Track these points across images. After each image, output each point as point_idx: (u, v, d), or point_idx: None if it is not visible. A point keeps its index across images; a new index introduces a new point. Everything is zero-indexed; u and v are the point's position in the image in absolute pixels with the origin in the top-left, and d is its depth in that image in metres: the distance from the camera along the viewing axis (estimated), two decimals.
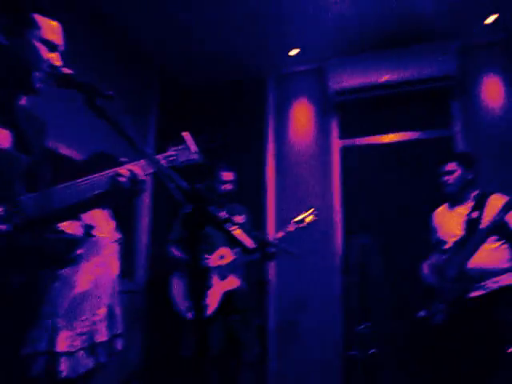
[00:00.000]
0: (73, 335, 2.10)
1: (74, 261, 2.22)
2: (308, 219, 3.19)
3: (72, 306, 2.16)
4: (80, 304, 2.19)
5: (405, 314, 3.21)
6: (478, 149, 3.62)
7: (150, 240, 4.12)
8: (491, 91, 3.85)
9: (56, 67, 1.29)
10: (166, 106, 4.52)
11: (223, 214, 1.02)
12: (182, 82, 4.66)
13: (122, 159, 1.41)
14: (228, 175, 3.25)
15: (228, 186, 3.23)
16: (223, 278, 3.03)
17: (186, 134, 1.73)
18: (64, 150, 3.10)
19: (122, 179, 1.33)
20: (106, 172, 1.36)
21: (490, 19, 3.66)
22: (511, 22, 3.69)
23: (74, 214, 1.44)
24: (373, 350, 2.63)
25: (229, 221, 1.02)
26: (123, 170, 1.35)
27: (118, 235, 2.49)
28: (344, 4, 3.45)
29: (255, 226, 3.48)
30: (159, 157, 1.63)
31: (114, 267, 2.42)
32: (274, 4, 3.46)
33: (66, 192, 1.31)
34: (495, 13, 3.59)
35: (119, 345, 2.34)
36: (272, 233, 4.08)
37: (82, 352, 2.09)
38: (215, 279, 3.01)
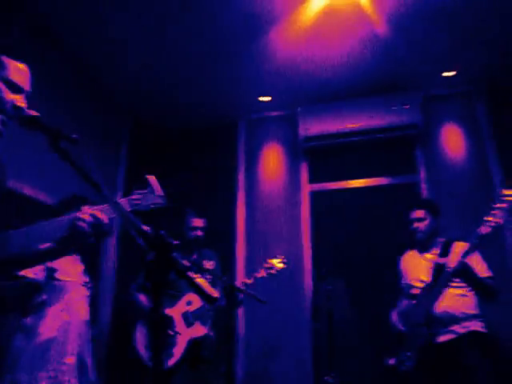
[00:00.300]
0: None
1: (38, 307, 2.10)
2: (279, 266, 3.18)
3: (36, 355, 2.02)
4: (45, 353, 2.04)
5: (374, 362, 3.17)
6: (441, 196, 3.75)
7: (115, 285, 3.98)
8: (452, 140, 4.04)
9: (20, 109, 1.27)
10: (137, 149, 4.51)
11: (186, 262, 0.99)
12: (154, 126, 4.68)
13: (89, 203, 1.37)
14: (198, 221, 3.25)
15: (198, 233, 3.22)
16: (189, 325, 2.93)
17: (151, 177, 1.71)
18: (29, 191, 3.02)
19: (82, 224, 1.29)
20: (67, 216, 1.32)
21: (449, 73, 3.89)
22: (469, 76, 3.93)
23: (35, 260, 1.37)
24: None
25: (191, 269, 1.00)
26: (84, 215, 1.31)
27: (85, 279, 2.38)
28: (314, 56, 3.61)
29: (224, 271, 3.42)
30: (123, 200, 1.59)
31: (82, 312, 2.28)
32: (245, 53, 3.58)
33: (23, 236, 1.26)
34: (454, 69, 3.82)
35: None
36: (241, 278, 4.02)
37: None
38: (181, 326, 2.91)
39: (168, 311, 2.91)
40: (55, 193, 3.11)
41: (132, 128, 4.53)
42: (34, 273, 2.04)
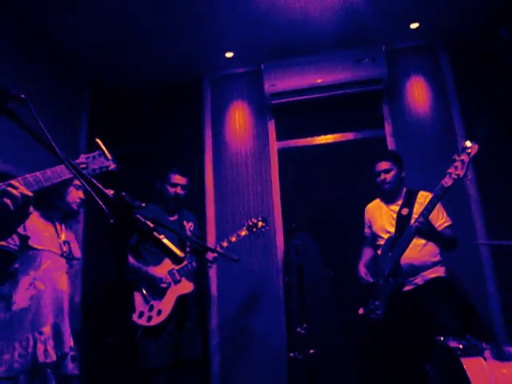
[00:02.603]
0: (11, 358, 1.91)
1: (12, 276, 2.04)
2: (260, 224, 3.23)
3: (12, 324, 1.98)
4: (19, 322, 1.99)
5: (344, 312, 3.30)
6: (407, 149, 3.81)
7: (84, 253, 3.91)
8: (417, 94, 4.06)
9: None
10: (99, 111, 4.33)
11: (149, 223, 0.96)
12: (116, 87, 4.47)
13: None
14: (179, 178, 3.12)
15: (178, 190, 3.10)
16: (177, 282, 2.95)
17: (98, 141, 1.63)
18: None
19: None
20: None
21: (414, 25, 3.86)
22: (433, 28, 3.91)
23: None
24: (312, 351, 2.67)
25: (155, 229, 0.97)
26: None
27: (65, 249, 2.31)
28: (277, 10, 3.49)
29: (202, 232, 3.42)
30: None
31: (61, 283, 2.21)
32: (209, 6, 3.43)
33: None
34: (418, 20, 3.79)
35: (71, 366, 2.13)
36: (213, 238, 4.04)
37: (22, 376, 1.90)
38: (170, 284, 2.93)
39: (154, 269, 2.91)
40: (22, 164, 2.98)
41: (93, 90, 4.33)
42: (4, 240, 1.96)
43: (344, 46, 3.99)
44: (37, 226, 2.16)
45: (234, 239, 3.12)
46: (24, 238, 2.05)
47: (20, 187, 1.25)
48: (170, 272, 2.94)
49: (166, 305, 2.87)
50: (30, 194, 1.23)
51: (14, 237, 1.99)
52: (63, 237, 2.31)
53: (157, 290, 2.89)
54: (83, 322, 3.75)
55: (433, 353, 2.21)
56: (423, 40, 4.09)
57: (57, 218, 2.32)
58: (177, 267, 2.96)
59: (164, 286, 2.89)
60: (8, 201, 1.21)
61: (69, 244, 2.34)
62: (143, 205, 2.78)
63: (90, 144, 4.09)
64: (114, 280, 0.96)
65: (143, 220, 0.97)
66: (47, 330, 2.06)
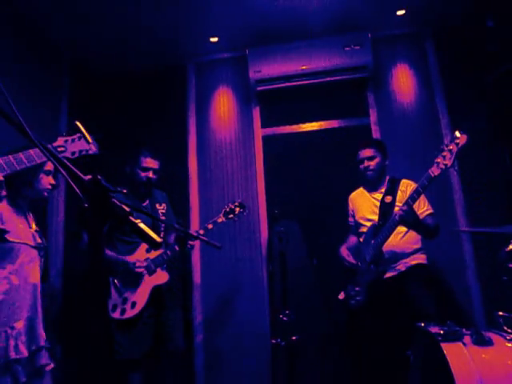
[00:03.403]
0: None
1: None
2: (237, 210, 3.14)
3: None
4: None
5: (326, 299, 3.32)
6: (391, 137, 3.82)
7: (65, 239, 3.85)
8: (402, 82, 4.06)
9: None
10: (79, 97, 4.22)
11: (125, 207, 0.93)
12: (98, 72, 4.37)
13: None
14: (151, 162, 3.00)
15: (149, 174, 2.98)
16: (151, 272, 2.89)
17: (78, 124, 1.58)
18: None
19: None
20: None
21: (401, 12, 3.84)
22: (419, 16, 3.90)
23: None
24: (294, 337, 2.68)
25: (132, 214, 0.94)
26: None
27: (38, 240, 2.26)
28: None
29: (177, 214, 3.35)
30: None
31: (34, 275, 2.17)
32: None
33: None
34: (404, 7, 3.77)
35: (43, 359, 2.09)
36: (196, 224, 4.01)
37: None
38: (143, 274, 2.87)
39: (128, 259, 2.84)
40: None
41: (73, 75, 4.21)
42: None
43: (330, 33, 3.95)
44: (12, 218, 2.11)
45: (210, 226, 3.03)
46: (2, 232, 2.01)
47: None
48: (145, 262, 2.88)
49: (141, 296, 2.81)
50: (1, 178, 1.19)
51: None
52: (34, 226, 2.26)
53: (131, 279, 2.82)
54: (63, 310, 3.71)
55: (413, 338, 2.24)
56: (409, 28, 4.07)
57: (26, 207, 2.26)
58: (151, 257, 2.90)
59: (140, 270, 2.81)
60: None
61: (39, 233, 2.29)
62: (124, 191, 2.73)
63: (70, 128, 4.00)
64: (88, 266, 0.93)
65: (118, 204, 0.93)
66: (20, 324, 2.03)
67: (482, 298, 3.45)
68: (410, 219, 2.60)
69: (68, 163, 1.08)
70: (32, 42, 3.69)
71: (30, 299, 2.11)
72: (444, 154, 2.43)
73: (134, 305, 2.78)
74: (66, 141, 1.52)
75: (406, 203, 2.56)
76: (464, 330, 1.98)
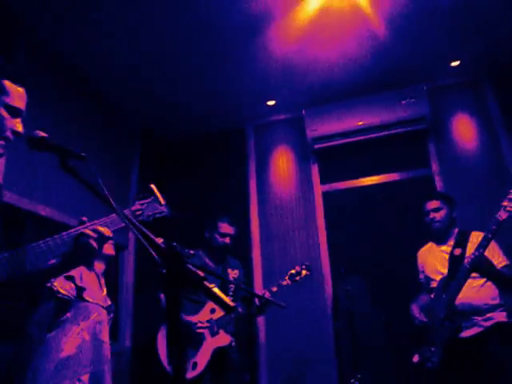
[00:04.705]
0: None
1: (61, 324, 2.14)
2: (303, 273, 3.13)
3: (54, 371, 2.05)
4: (64, 369, 2.07)
5: (398, 360, 3.12)
6: (455, 187, 3.70)
7: (134, 299, 4.00)
8: (463, 130, 3.98)
9: (18, 134, 1.31)
10: (148, 161, 4.54)
11: (200, 272, 0.99)
12: (164, 138, 4.72)
13: (83, 218, 1.39)
14: (228, 228, 3.14)
15: (226, 240, 3.12)
16: (214, 334, 2.90)
17: (153, 186, 1.70)
18: (45, 212, 3.05)
19: (86, 238, 1.31)
20: (69, 232, 1.33)
21: (455, 63, 3.85)
22: (473, 64, 3.88)
23: (43, 276, 1.39)
24: None
25: (206, 278, 0.99)
26: (87, 230, 1.34)
27: (108, 302, 2.43)
28: (316, 57, 3.61)
29: (247, 280, 3.40)
30: (125, 212, 1.60)
31: (103, 333, 2.31)
32: (251, 58, 3.59)
33: (32, 252, 1.27)
34: (459, 58, 3.78)
35: None
36: (259, 285, 4.00)
37: None
38: (206, 335, 2.89)
39: (191, 319, 2.88)
40: (70, 212, 3.16)
41: (142, 141, 4.57)
42: (65, 289, 2.08)
43: (385, 88, 4.01)
44: (89, 280, 2.30)
45: (275, 289, 3.03)
46: (81, 290, 2.18)
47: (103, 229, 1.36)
48: (209, 322, 2.90)
49: (202, 358, 2.81)
50: (111, 234, 1.35)
51: (73, 286, 2.10)
52: (105, 290, 2.44)
53: (192, 340, 2.84)
54: (131, 368, 3.77)
55: None
56: (465, 76, 4.05)
57: (99, 272, 2.44)
58: (214, 317, 2.92)
59: (201, 331, 2.83)
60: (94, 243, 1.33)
61: (110, 297, 2.47)
62: (191, 252, 2.85)
63: (139, 191, 4.26)
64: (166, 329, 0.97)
65: (193, 269, 0.99)
66: (86, 378, 2.14)
67: None
68: (482, 265, 2.46)
69: (145, 230, 1.17)
70: (104, 108, 4.07)
71: (96, 355, 2.23)
72: (510, 196, 2.33)
73: (195, 366, 2.78)
74: (141, 204, 1.64)
75: (478, 248, 2.44)
76: None
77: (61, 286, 2.04)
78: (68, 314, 2.14)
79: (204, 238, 3.19)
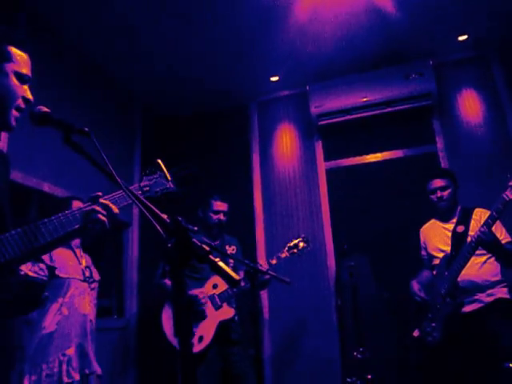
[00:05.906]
0: (39, 378, 2.11)
1: (41, 304, 2.23)
2: (300, 245, 3.14)
3: (38, 348, 2.20)
4: (47, 346, 2.21)
5: (400, 335, 3.16)
6: (460, 164, 3.67)
7: (139, 274, 4.04)
8: (469, 106, 3.93)
9: (29, 102, 1.29)
10: (151, 137, 4.52)
11: (206, 246, 0.99)
12: (166, 113, 4.68)
13: (99, 194, 1.38)
14: (221, 205, 3.16)
15: (220, 216, 3.14)
16: (217, 307, 2.94)
17: (159, 162, 1.69)
18: (48, 188, 3.06)
19: (95, 214, 1.32)
20: (79, 208, 1.33)
21: (463, 37, 3.77)
22: (481, 39, 3.80)
23: (40, 253, 1.40)
24: (370, 376, 2.57)
25: (211, 253, 1.00)
26: (96, 206, 1.34)
27: (87, 274, 2.47)
28: (321, 31, 3.54)
29: (246, 256, 3.42)
30: (133, 187, 1.60)
31: (84, 307, 2.42)
32: (257, 32, 3.53)
33: (41, 230, 1.27)
34: (466, 32, 3.70)
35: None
36: (263, 260, 4.03)
37: None
38: (209, 309, 2.93)
39: (194, 292, 2.91)
40: (73, 188, 3.16)
41: (144, 116, 4.54)
42: (34, 271, 2.13)
43: (390, 63, 3.94)
44: (61, 256, 2.38)
45: (274, 261, 3.05)
46: (52, 269, 2.29)
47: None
48: (211, 297, 2.94)
49: (208, 331, 2.85)
50: (117, 210, 1.36)
51: (43, 267, 2.19)
52: (84, 262, 2.52)
53: (196, 312, 2.87)
54: (138, 343, 3.84)
55: (500, 379, 2.08)
56: (473, 51, 3.97)
57: (75, 245, 2.50)
58: (217, 292, 2.96)
59: (204, 301, 2.87)
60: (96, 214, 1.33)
61: (89, 268, 2.55)
62: (195, 228, 2.86)
63: (143, 166, 4.26)
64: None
65: (199, 244, 0.99)
66: (71, 351, 2.26)
67: None
68: (489, 240, 2.46)
69: (151, 205, 1.17)
70: (107, 87, 4.06)
71: (79, 328, 2.36)
72: None
73: (201, 339, 2.82)
74: (149, 180, 1.65)
75: (485, 224, 2.44)
76: None
77: (28, 269, 2.07)
78: (46, 293, 2.24)
79: (198, 217, 3.19)
